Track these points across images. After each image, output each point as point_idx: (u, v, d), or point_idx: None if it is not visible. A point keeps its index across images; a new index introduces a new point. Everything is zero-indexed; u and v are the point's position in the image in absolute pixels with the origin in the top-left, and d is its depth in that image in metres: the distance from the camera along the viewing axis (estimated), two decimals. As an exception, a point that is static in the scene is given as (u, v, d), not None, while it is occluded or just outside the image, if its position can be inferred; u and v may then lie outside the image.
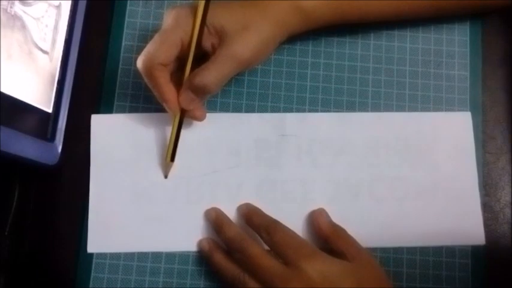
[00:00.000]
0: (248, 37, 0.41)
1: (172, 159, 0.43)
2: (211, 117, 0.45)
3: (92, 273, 0.44)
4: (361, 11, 0.44)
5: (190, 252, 0.44)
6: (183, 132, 0.43)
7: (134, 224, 0.44)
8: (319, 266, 0.38)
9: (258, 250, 0.40)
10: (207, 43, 0.42)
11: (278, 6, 0.42)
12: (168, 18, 0.41)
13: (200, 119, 0.44)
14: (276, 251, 0.40)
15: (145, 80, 0.41)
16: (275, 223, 0.42)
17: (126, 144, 0.45)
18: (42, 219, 0.45)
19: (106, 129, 0.45)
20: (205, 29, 0.41)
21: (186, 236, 0.44)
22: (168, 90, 0.41)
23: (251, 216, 0.43)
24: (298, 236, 0.41)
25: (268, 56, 0.45)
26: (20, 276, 0.44)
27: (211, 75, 0.40)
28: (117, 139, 0.45)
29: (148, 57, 0.40)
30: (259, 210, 0.44)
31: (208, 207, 0.44)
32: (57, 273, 0.45)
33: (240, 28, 0.40)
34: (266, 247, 0.41)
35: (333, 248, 0.41)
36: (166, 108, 0.42)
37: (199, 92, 0.41)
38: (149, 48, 0.40)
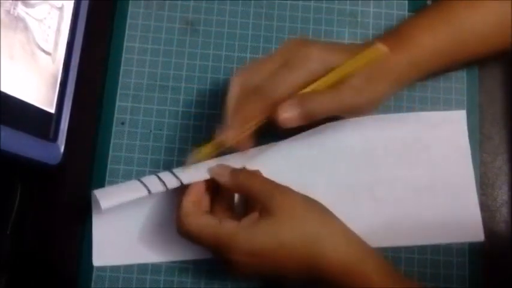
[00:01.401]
0: (365, 94, 0.40)
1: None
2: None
3: (94, 272, 0.44)
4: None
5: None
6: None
7: (139, 236, 0.45)
8: (239, 249, 0.38)
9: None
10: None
11: (400, 66, 0.42)
12: (296, 51, 0.40)
13: (243, 149, 0.42)
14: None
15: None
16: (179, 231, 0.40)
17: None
18: (44, 218, 0.46)
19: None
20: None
21: (192, 245, 0.44)
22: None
23: None
24: (206, 231, 0.39)
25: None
26: (22, 276, 0.45)
27: (323, 106, 0.40)
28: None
29: (269, 90, 0.39)
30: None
31: None
32: (59, 273, 0.45)
33: (362, 81, 0.40)
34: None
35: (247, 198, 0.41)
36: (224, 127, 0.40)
37: (305, 115, 0.39)
38: (271, 83, 0.39)
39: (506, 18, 0.43)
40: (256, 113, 0.39)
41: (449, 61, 0.44)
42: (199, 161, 0.42)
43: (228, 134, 0.39)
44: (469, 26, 0.43)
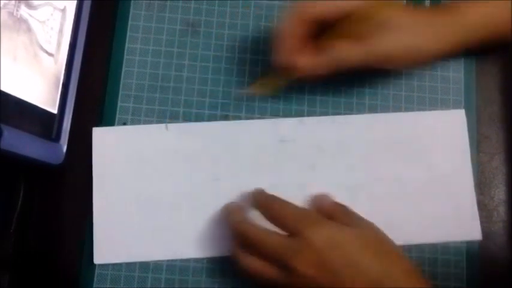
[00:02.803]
0: (401, 45, 0.41)
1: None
2: (210, 125, 0.46)
3: (96, 271, 0.45)
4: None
5: (191, 249, 0.45)
6: (184, 141, 0.44)
7: (139, 234, 0.45)
8: (325, 232, 0.37)
9: (257, 228, 0.39)
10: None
11: (451, 26, 0.42)
12: None
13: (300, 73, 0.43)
14: (278, 225, 0.39)
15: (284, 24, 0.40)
16: (272, 197, 0.41)
17: (128, 156, 0.46)
18: (46, 217, 0.46)
19: (107, 141, 0.46)
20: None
21: (192, 243, 0.45)
22: (290, 44, 0.41)
23: (251, 196, 0.43)
24: (298, 206, 0.40)
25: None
26: (25, 274, 0.45)
27: (352, 55, 0.40)
28: (119, 151, 0.46)
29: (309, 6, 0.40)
30: (260, 189, 0.43)
31: (212, 214, 0.45)
32: (61, 271, 0.45)
33: (399, 33, 0.41)
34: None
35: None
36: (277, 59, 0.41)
37: (331, 63, 0.40)
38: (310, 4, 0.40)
39: None
40: (301, 34, 0.40)
41: (499, 33, 0.44)
42: (260, 90, 0.45)
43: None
44: None
